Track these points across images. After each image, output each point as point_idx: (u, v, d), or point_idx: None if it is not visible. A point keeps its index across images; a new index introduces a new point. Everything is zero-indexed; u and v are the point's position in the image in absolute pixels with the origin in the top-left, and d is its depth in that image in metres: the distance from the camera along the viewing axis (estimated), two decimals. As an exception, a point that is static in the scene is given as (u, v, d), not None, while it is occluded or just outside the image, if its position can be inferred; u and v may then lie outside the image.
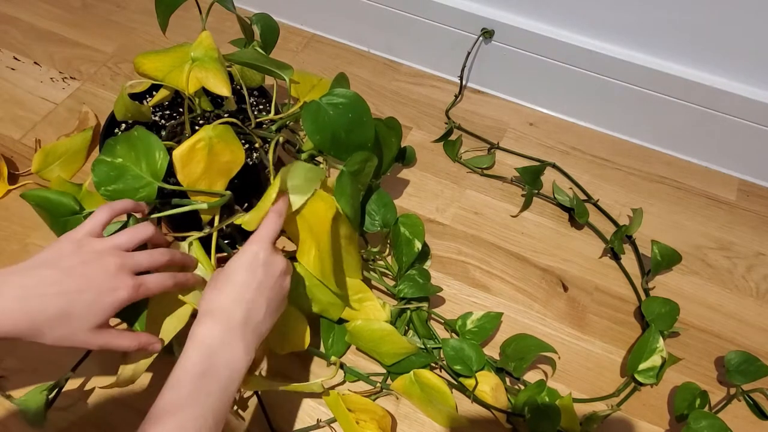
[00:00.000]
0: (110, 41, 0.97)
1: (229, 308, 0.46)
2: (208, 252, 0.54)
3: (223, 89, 0.54)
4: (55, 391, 0.57)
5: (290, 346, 0.60)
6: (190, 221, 0.57)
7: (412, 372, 0.60)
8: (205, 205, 0.53)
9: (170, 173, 0.52)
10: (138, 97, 0.67)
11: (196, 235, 0.54)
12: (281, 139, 0.60)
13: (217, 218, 0.56)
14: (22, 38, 0.97)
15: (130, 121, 0.64)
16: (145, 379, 0.63)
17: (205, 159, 0.53)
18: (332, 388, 0.64)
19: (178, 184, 0.53)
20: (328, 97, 0.57)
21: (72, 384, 0.63)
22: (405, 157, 0.82)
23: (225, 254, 0.58)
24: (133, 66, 0.94)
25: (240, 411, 0.62)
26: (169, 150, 0.52)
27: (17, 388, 0.62)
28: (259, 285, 0.47)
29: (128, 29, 1.00)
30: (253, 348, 0.46)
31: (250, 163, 0.61)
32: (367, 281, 0.67)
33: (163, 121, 0.66)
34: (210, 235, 0.55)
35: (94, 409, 0.62)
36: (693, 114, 0.81)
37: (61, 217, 0.52)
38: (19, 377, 0.63)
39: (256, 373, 0.63)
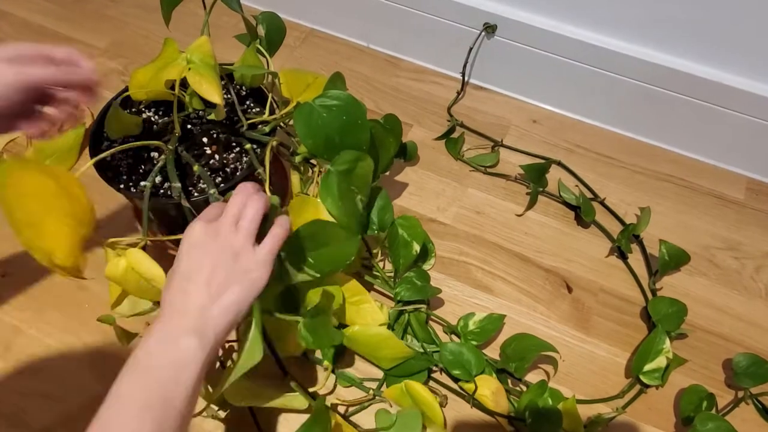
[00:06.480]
0: (103, 36, 0.96)
1: (171, 301, 0.43)
2: None
3: (215, 96, 0.53)
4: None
5: (285, 350, 0.59)
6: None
7: (403, 383, 0.60)
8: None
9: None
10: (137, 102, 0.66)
11: None
12: (274, 143, 0.59)
13: None
14: (14, 33, 0.96)
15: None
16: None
17: None
18: (329, 393, 0.63)
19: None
20: (321, 99, 0.55)
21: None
22: (406, 154, 0.81)
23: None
24: (125, 60, 0.93)
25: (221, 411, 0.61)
26: (158, 149, 0.50)
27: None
28: (199, 262, 0.44)
29: (121, 24, 0.98)
30: (213, 328, 0.43)
31: (240, 167, 0.60)
32: (365, 283, 0.66)
33: (156, 117, 0.65)
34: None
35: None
36: (700, 111, 0.80)
37: None
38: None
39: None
